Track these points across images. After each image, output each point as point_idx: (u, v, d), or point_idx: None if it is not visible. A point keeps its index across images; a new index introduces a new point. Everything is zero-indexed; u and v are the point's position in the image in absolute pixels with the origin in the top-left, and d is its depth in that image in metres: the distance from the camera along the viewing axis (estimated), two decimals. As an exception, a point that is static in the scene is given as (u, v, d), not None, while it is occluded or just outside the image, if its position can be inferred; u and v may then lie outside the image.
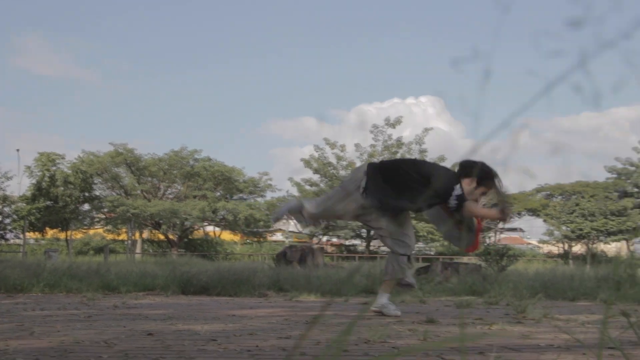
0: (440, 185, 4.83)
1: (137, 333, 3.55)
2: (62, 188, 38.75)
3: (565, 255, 42.33)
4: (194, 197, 42.61)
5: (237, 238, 48.14)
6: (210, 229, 46.91)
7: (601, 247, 44.34)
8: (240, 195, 45.29)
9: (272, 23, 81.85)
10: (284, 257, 14.34)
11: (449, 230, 5.25)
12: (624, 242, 44.59)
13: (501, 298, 7.20)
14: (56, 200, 38.70)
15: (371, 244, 45.72)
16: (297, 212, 5.52)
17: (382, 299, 5.07)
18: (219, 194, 44.06)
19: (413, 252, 5.31)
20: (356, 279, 9.28)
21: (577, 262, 31.35)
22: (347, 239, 45.90)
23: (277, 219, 5.67)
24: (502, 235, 52.62)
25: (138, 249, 42.13)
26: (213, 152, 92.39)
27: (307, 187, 43.63)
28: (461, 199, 4.85)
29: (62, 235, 43.23)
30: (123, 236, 44.75)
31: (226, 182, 43.55)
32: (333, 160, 43.24)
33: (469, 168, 4.93)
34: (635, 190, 45.02)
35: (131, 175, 42.65)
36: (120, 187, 43.51)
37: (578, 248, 44.78)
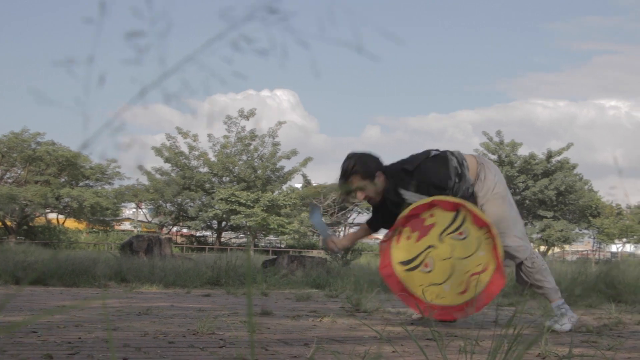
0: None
1: (-50, 325, 3.32)
2: None
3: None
4: (36, 182, 40.52)
5: (82, 226, 46.25)
6: (53, 216, 44.80)
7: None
8: (87, 182, 43.60)
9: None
10: (129, 247, 13.93)
11: None
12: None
13: (342, 291, 7.38)
14: None
15: (222, 235, 45.50)
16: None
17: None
18: (63, 180, 42.17)
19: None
20: (201, 271, 9.19)
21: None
22: (197, 230, 45.40)
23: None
24: (351, 230, 53.98)
25: (-29, 236, 39.52)
26: (57, 136, 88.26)
27: (158, 176, 42.74)
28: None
29: None
30: (-46, 221, 41.86)
31: (71, 167, 41.73)
32: (185, 149, 42.65)
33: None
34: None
35: (-35, 156, 39.93)
36: (-49, 169, 40.64)
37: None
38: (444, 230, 3.76)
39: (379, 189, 4.06)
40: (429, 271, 3.75)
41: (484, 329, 3.87)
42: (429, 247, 3.76)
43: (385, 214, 4.25)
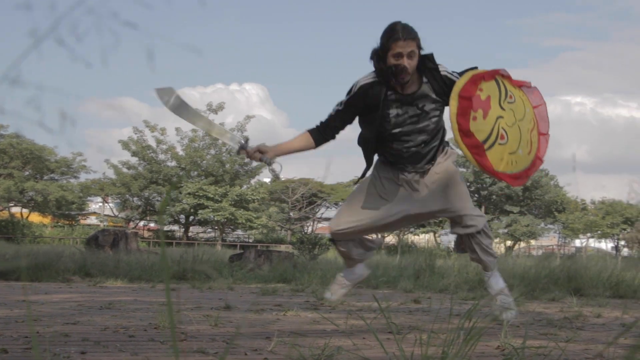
0: None
1: None
2: None
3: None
4: None
5: (47, 220, 45.63)
6: (16, 210, 44.13)
7: (411, 238, 46.91)
8: (52, 175, 43.02)
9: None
10: (95, 241, 13.79)
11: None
12: (432, 234, 47.45)
13: (308, 285, 7.39)
14: None
15: (190, 230, 45.24)
16: None
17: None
18: (27, 173, 41.56)
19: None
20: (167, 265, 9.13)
21: (389, 253, 32.90)
22: (164, 224, 45.09)
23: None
24: (320, 225, 54.03)
25: None
26: (21, 128, 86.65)
27: (125, 170, 42.34)
28: None
29: None
30: None
31: (36, 161, 41.14)
32: (152, 143, 42.27)
33: None
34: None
35: None
36: None
37: (390, 239, 47.00)
38: (499, 98, 3.66)
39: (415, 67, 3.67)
40: (506, 142, 3.63)
41: (443, 322, 3.90)
42: (498, 118, 3.58)
43: (352, 119, 3.82)
